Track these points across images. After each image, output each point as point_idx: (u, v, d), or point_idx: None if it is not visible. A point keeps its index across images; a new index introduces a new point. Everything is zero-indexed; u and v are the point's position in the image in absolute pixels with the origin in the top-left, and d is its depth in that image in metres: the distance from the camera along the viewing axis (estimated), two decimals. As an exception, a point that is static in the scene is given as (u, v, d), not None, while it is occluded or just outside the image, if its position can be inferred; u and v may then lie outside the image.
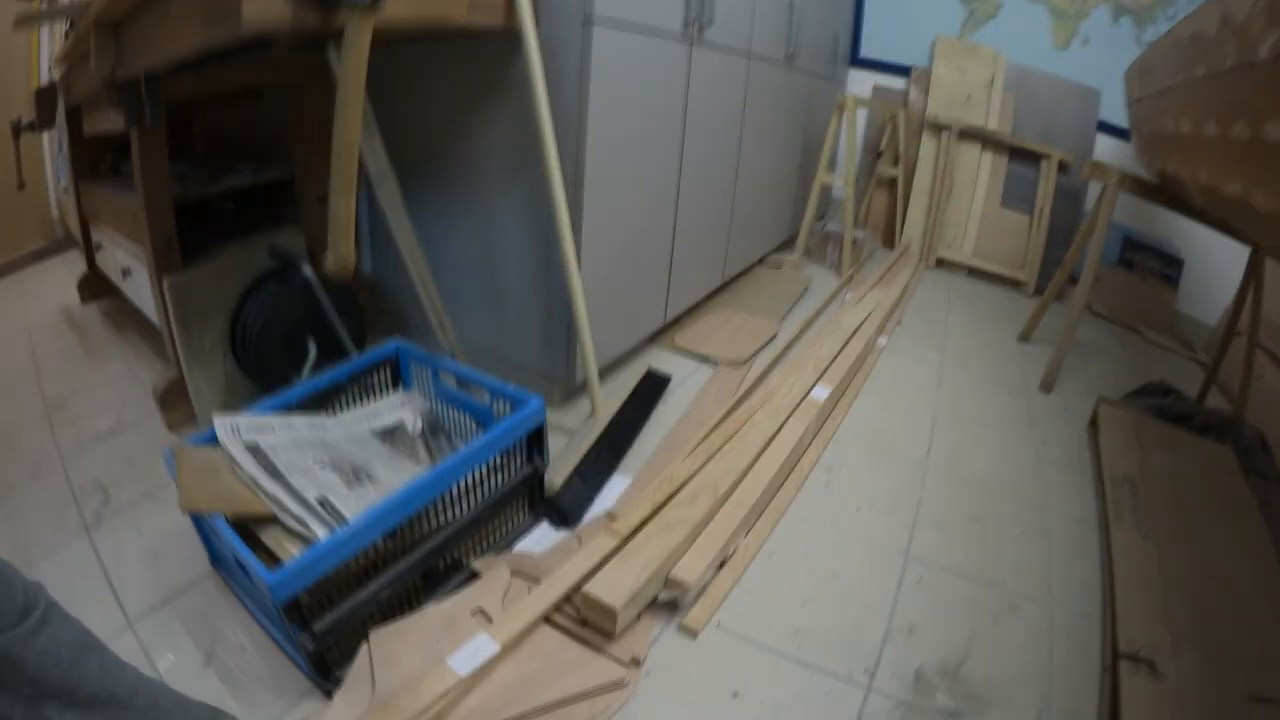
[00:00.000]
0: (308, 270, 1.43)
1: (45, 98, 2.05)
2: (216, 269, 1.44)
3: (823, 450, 1.59)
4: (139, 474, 1.41)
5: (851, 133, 2.91)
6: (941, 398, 1.96)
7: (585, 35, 1.33)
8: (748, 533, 1.29)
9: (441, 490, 1.09)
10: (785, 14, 2.35)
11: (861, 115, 3.53)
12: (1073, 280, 2.64)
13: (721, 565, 1.22)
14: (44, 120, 2.09)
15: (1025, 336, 2.48)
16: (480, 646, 0.97)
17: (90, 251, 2.09)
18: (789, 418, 1.54)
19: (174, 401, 1.49)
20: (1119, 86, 2.56)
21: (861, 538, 1.36)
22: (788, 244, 3.13)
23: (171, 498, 1.05)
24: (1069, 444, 1.81)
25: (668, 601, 1.15)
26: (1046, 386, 2.08)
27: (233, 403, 1.51)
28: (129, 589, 1.16)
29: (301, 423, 1.21)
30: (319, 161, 1.43)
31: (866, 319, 2.19)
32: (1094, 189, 3.10)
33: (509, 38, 1.28)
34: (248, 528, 1.00)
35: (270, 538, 1.01)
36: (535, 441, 1.24)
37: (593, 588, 1.04)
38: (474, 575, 1.15)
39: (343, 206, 1.00)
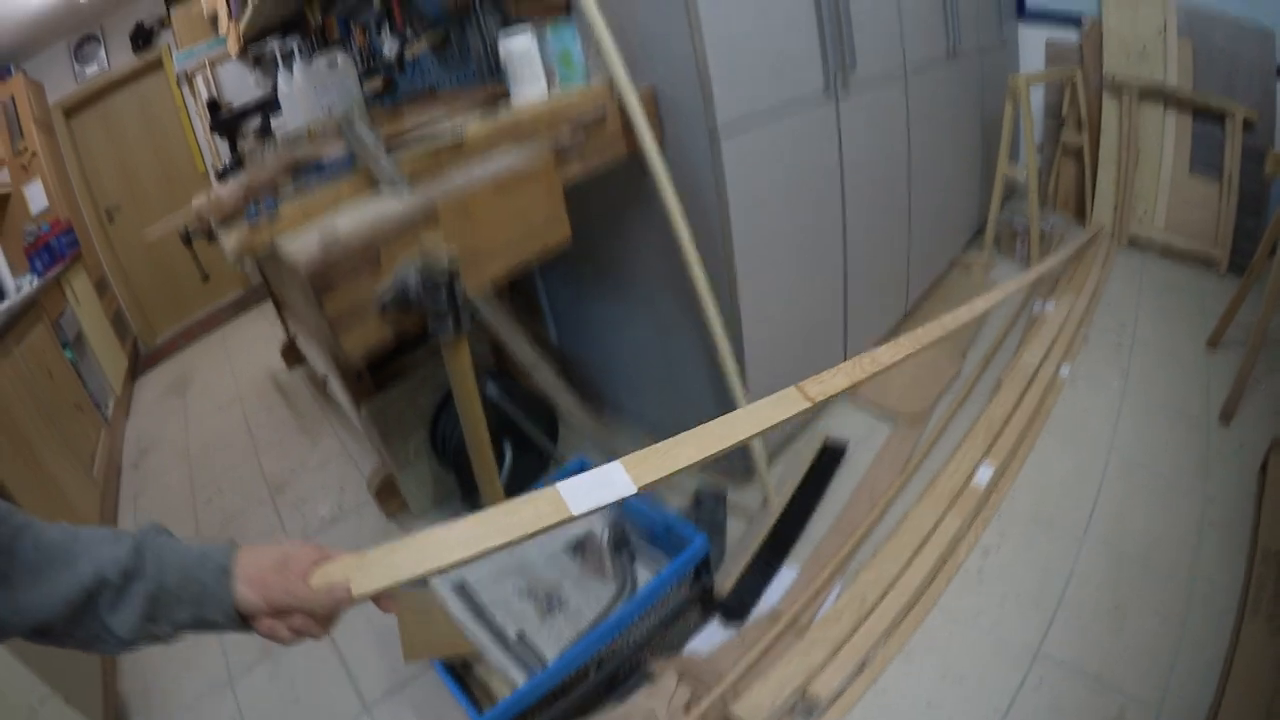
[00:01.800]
0: (492, 390, 1.65)
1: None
2: (408, 388, 1.70)
3: (982, 532, 1.64)
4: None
5: (1028, 114, 2.74)
6: (1118, 438, 1.90)
7: (714, 150, 1.37)
8: (889, 638, 1.41)
9: (624, 627, 1.30)
10: (939, 3, 2.24)
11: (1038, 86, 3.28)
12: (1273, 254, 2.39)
13: (860, 669, 1.36)
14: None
15: (1215, 341, 2.30)
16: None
17: (288, 328, 2.45)
18: (948, 510, 1.61)
19: (388, 494, 1.80)
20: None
21: (997, 636, 1.41)
22: (979, 235, 3.02)
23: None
24: (1236, 497, 1.69)
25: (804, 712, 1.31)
26: (1226, 416, 1.95)
27: (441, 496, 1.79)
28: (364, 676, 1.47)
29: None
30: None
31: (1048, 353, 2.14)
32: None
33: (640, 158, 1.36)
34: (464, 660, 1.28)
35: (482, 670, 1.27)
36: (703, 566, 1.42)
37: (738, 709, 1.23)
38: (649, 675, 1.37)
39: (481, 460, 1.18)
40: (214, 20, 3.83)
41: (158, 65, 4.38)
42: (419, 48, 1.95)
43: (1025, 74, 2.78)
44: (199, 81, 4.12)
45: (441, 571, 0.58)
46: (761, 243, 1.56)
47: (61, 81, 4.14)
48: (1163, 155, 3.00)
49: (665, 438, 0.64)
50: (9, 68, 3.89)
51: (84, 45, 4.23)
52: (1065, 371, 2.17)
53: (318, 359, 2.03)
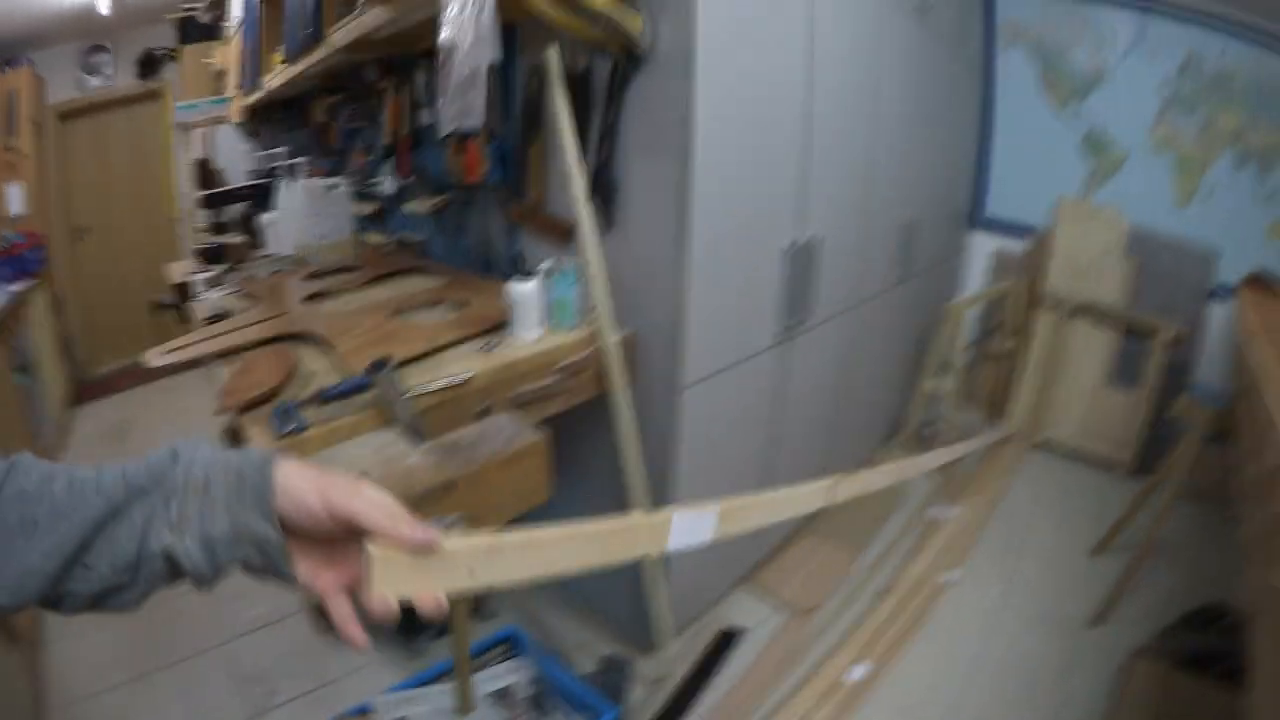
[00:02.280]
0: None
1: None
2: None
3: (850, 727, 1.90)
4: (300, 670, 1.87)
5: (960, 337, 3.14)
6: (990, 642, 2.21)
7: (677, 400, 1.62)
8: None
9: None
10: (899, 236, 2.59)
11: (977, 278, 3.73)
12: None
13: None
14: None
15: (1102, 547, 2.65)
16: None
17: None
18: (819, 704, 1.86)
19: (322, 611, 1.95)
20: (1238, 244, 2.83)
21: None
22: (898, 434, 3.35)
23: (330, 696, 1.50)
24: (1095, 698, 1.99)
25: None
26: (1098, 620, 2.27)
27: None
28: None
29: (439, 692, 1.64)
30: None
31: (938, 558, 2.45)
32: (1205, 362, 3.23)
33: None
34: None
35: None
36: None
37: None
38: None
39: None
40: (220, 77, 4.01)
41: (157, 96, 4.53)
42: (419, 205, 2.19)
43: (963, 299, 3.20)
44: (195, 134, 4.26)
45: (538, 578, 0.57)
46: (702, 468, 1.82)
47: (63, 84, 4.20)
48: (1086, 366, 3.42)
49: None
50: (21, 58, 3.94)
51: (93, 54, 4.31)
52: (954, 577, 2.48)
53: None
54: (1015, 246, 3.66)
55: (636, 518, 0.69)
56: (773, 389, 2.02)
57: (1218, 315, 3.17)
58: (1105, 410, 3.38)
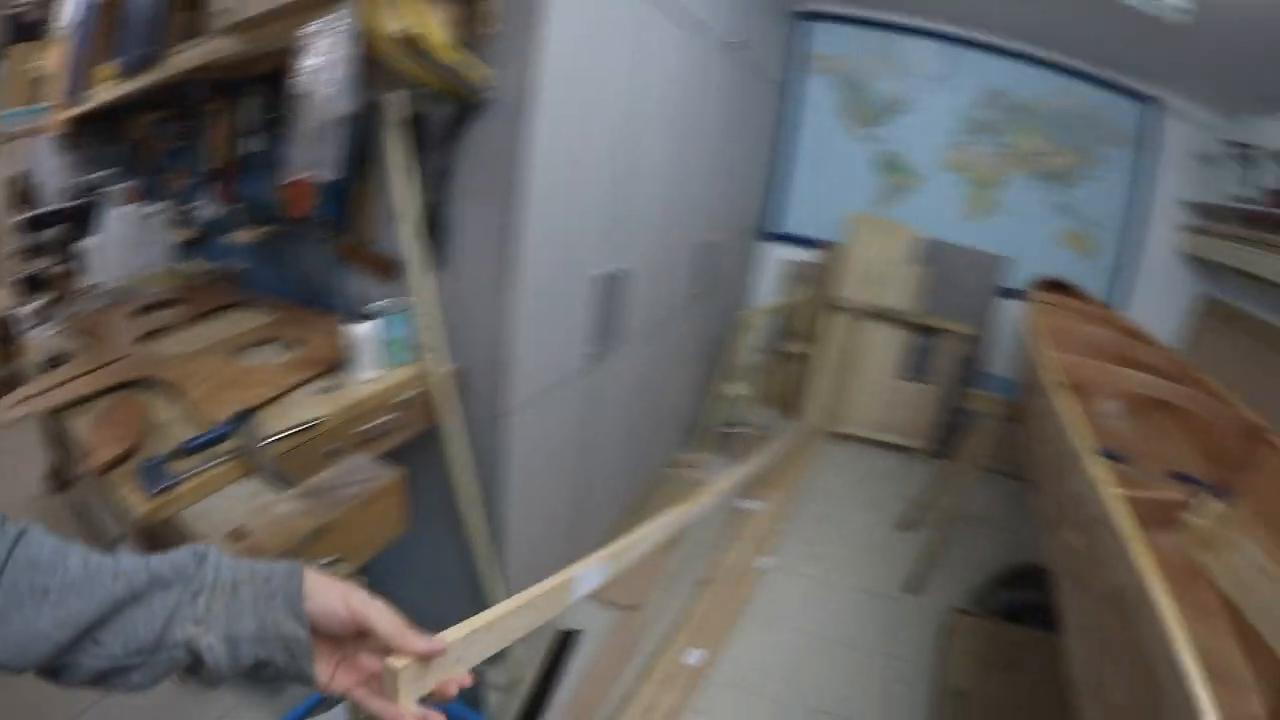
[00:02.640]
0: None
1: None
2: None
3: (696, 703, 2.13)
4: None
5: (751, 342, 3.53)
6: (814, 622, 2.53)
7: (503, 424, 1.78)
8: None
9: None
10: (698, 255, 2.88)
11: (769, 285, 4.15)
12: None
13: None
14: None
15: (906, 525, 3.09)
16: None
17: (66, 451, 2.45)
18: (664, 688, 2.09)
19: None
20: (1034, 249, 3.46)
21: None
22: (699, 433, 3.67)
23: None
24: (920, 654, 2.36)
25: None
26: (913, 588, 2.67)
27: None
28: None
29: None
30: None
31: (751, 547, 2.76)
32: (997, 357, 3.81)
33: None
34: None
35: None
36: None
37: None
38: None
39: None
40: (38, 84, 3.59)
41: None
42: (243, 235, 2.14)
43: (756, 308, 3.57)
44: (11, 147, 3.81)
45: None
46: (530, 484, 2.01)
47: None
48: (879, 364, 3.91)
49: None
50: None
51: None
52: (769, 563, 2.81)
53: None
54: (810, 258, 4.12)
55: (554, 580, 0.90)
56: (586, 406, 2.23)
57: (1009, 315, 3.73)
58: (901, 403, 3.90)
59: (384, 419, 1.57)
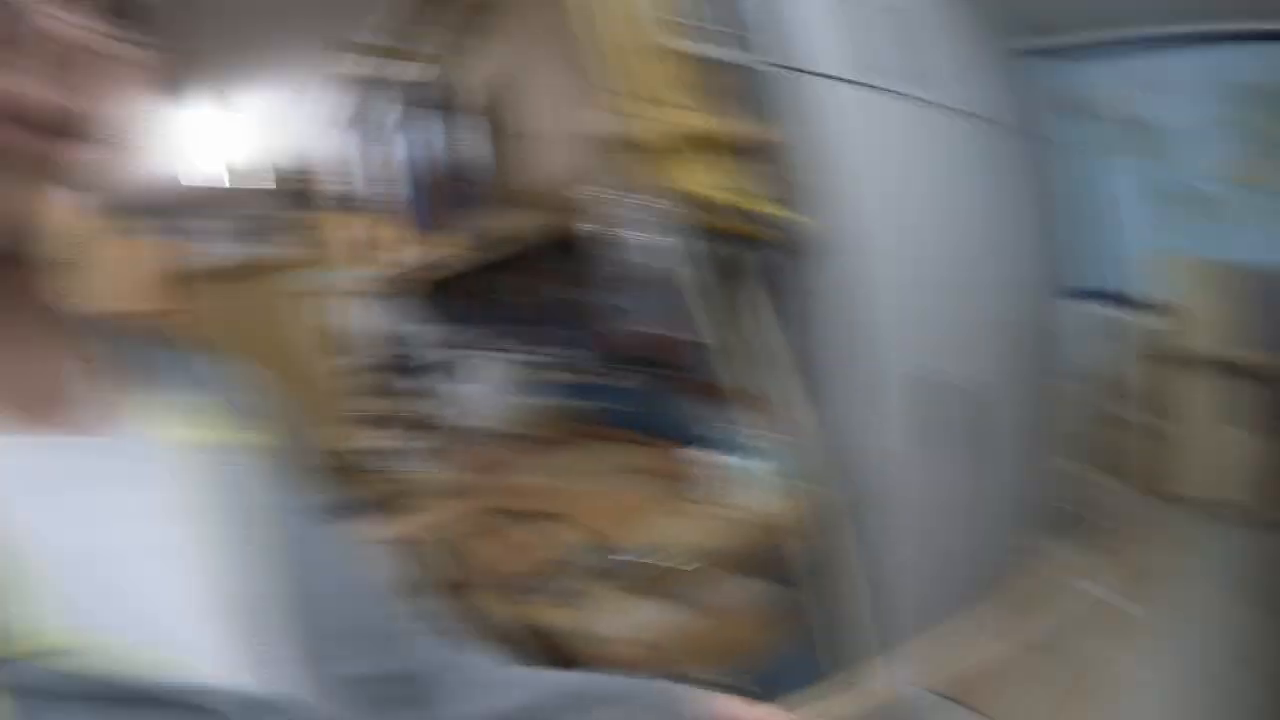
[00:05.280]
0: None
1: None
2: None
3: None
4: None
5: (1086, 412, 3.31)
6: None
7: None
8: None
9: None
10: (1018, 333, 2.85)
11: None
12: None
13: None
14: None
15: None
16: None
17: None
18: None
19: None
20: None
21: None
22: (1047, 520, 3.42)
23: None
24: None
25: None
26: None
27: None
28: None
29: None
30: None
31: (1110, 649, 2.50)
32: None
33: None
34: None
35: None
36: None
37: None
38: None
39: None
40: (359, 246, 4.29)
41: (289, 263, 4.74)
42: (598, 376, 2.39)
43: (1083, 374, 3.35)
44: (344, 301, 4.56)
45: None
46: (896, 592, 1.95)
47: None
48: (1228, 421, 3.44)
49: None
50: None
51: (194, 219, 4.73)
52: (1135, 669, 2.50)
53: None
54: (1122, 314, 3.79)
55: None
56: (935, 507, 2.22)
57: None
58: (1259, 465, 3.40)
59: (755, 544, 1.75)
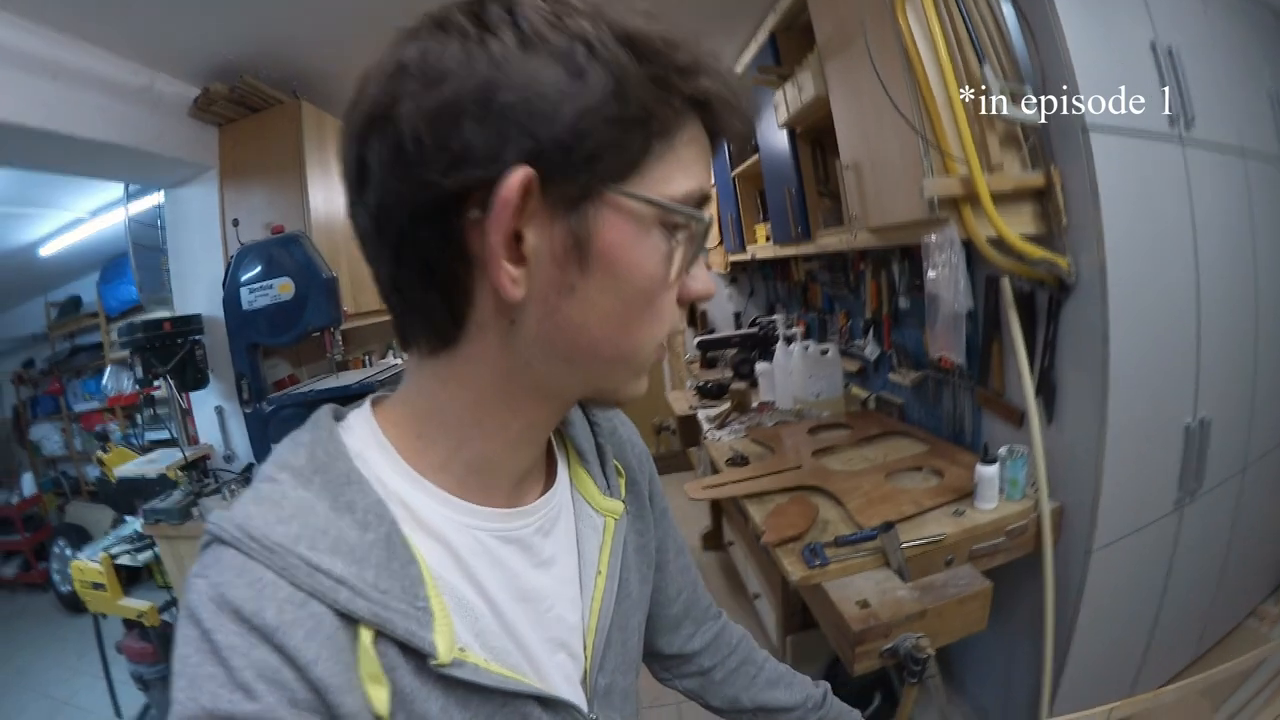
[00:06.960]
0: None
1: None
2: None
3: None
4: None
5: None
6: None
7: (1086, 561, 1.98)
8: None
9: None
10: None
11: None
12: None
13: None
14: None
15: None
16: None
17: (719, 524, 3.39)
18: None
19: None
20: None
21: None
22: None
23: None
24: None
25: None
26: None
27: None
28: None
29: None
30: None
31: None
32: None
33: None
34: None
35: None
36: None
37: None
38: None
39: None
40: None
41: None
42: (900, 377, 2.75)
43: None
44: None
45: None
46: (1101, 619, 2.14)
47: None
48: None
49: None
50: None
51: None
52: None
53: (757, 581, 2.92)
54: None
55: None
56: (1166, 549, 2.23)
57: None
58: None
59: (993, 542, 1.96)
